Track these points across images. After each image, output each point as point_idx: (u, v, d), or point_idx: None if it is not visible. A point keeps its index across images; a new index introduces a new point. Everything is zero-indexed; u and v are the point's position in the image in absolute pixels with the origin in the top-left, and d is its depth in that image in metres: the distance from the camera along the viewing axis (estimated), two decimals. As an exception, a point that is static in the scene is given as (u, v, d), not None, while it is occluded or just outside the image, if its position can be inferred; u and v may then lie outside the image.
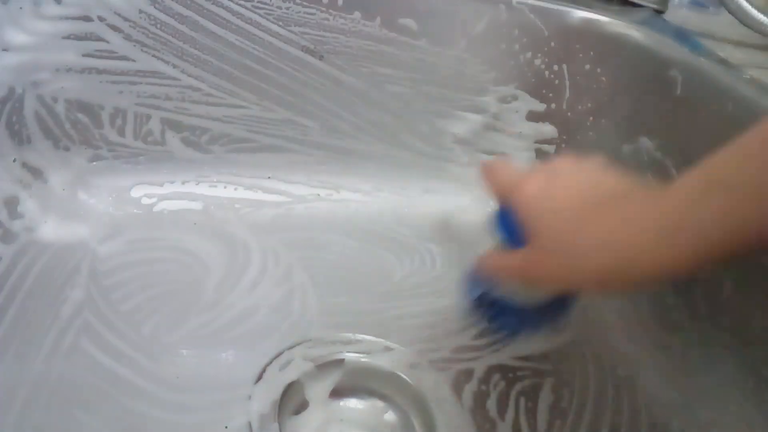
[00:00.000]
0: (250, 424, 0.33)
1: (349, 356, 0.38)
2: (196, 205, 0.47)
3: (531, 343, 0.42)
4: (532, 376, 0.40)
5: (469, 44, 0.48)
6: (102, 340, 0.36)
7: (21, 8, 0.39)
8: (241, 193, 0.48)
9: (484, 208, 0.46)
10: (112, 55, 0.43)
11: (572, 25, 0.49)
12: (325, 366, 0.37)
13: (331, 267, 0.45)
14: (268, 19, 0.45)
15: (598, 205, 0.29)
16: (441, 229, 0.45)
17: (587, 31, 0.49)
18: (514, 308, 0.36)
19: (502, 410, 0.37)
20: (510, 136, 0.52)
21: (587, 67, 0.49)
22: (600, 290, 0.36)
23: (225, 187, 0.48)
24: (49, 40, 0.41)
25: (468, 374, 0.39)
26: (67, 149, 0.44)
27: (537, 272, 0.31)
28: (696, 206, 0.25)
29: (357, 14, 0.45)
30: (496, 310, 0.39)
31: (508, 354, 0.41)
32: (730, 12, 0.49)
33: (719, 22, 0.54)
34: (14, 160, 0.41)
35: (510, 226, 0.32)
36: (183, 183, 0.47)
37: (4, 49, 0.39)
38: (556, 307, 0.37)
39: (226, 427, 0.33)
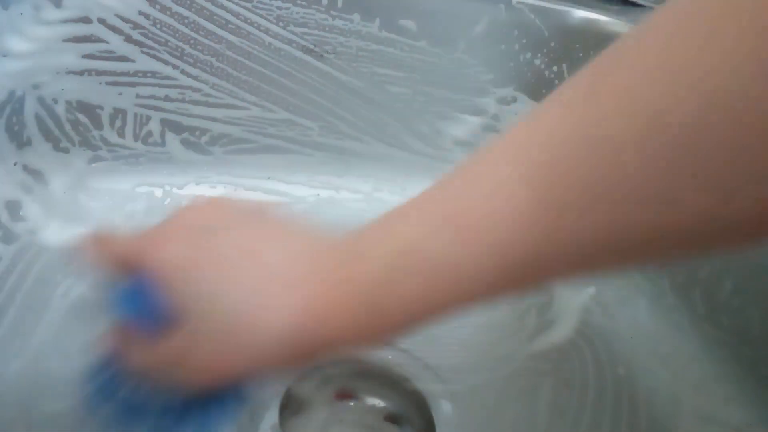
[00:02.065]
0: (250, 424, 0.33)
1: (350, 357, 0.38)
2: (196, 206, 0.47)
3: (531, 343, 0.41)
4: (532, 376, 0.40)
5: (469, 45, 0.48)
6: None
7: (21, 14, 0.39)
8: (241, 194, 0.48)
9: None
10: (111, 56, 0.43)
11: (572, 25, 0.49)
12: (325, 366, 0.37)
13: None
14: (267, 20, 0.45)
15: (268, 275, 0.22)
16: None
17: (587, 31, 0.49)
18: (146, 411, 0.25)
19: (502, 410, 0.37)
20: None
21: (587, 67, 0.49)
22: (276, 372, 0.26)
23: (225, 188, 0.48)
24: (49, 45, 0.41)
25: (468, 374, 0.39)
26: (66, 151, 0.44)
27: (193, 362, 0.22)
28: (386, 286, 0.20)
29: (356, 15, 0.45)
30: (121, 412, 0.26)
31: (507, 353, 0.41)
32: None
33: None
34: (15, 164, 0.41)
35: (140, 302, 0.23)
36: (183, 184, 0.47)
37: (4, 55, 0.39)
38: (206, 407, 0.25)
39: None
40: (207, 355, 0.22)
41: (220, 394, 0.25)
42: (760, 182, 0.14)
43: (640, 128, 0.15)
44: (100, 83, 0.43)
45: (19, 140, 0.41)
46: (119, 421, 0.26)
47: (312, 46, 0.46)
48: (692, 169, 0.15)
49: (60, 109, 0.43)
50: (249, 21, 0.44)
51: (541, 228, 0.17)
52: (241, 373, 0.23)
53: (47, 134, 0.43)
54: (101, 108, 0.44)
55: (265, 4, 0.44)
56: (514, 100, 0.51)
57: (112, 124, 0.45)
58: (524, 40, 0.49)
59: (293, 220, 0.24)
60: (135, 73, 0.44)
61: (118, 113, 0.45)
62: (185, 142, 0.47)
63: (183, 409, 0.25)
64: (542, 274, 0.19)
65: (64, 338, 0.36)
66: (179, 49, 0.44)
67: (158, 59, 0.44)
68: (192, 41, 0.44)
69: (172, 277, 0.22)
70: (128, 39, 0.43)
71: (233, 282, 0.22)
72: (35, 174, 0.42)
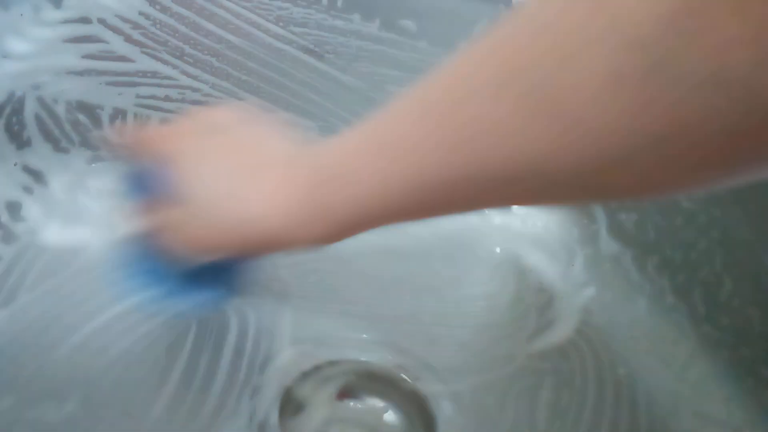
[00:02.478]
0: (250, 424, 0.33)
1: (350, 357, 0.38)
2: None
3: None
4: (532, 376, 0.40)
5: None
6: (103, 340, 0.36)
7: (21, 15, 0.39)
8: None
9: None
10: (111, 56, 0.43)
11: (572, 25, 0.49)
12: (325, 366, 0.37)
13: (331, 267, 0.45)
14: (267, 20, 0.45)
15: (251, 171, 0.27)
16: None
17: (587, 31, 0.49)
18: (162, 274, 0.31)
19: (502, 410, 0.37)
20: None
21: (587, 67, 0.49)
22: (249, 257, 0.31)
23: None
24: (49, 45, 0.41)
25: (468, 374, 0.39)
26: (66, 151, 0.44)
27: (186, 231, 0.27)
28: (353, 174, 0.24)
29: (356, 15, 0.45)
30: (145, 276, 0.32)
31: (507, 353, 0.41)
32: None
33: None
34: (15, 164, 0.41)
35: (153, 182, 0.29)
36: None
37: (5, 56, 0.39)
38: (215, 274, 0.32)
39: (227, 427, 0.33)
40: (195, 229, 0.27)
41: (217, 267, 0.30)
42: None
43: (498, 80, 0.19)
44: (100, 83, 0.43)
45: (19, 141, 0.41)
46: (138, 285, 0.32)
47: (312, 46, 0.46)
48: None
49: (60, 110, 0.43)
50: (249, 21, 0.44)
51: (435, 159, 0.22)
52: (220, 248, 0.27)
53: (47, 135, 0.43)
54: (101, 108, 0.44)
55: (265, 4, 0.44)
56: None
57: (112, 124, 0.45)
58: (524, 40, 0.49)
59: (280, 128, 0.29)
60: (135, 73, 0.44)
61: (118, 113, 0.45)
62: (185, 143, 0.47)
63: (188, 277, 0.31)
64: (449, 198, 0.23)
65: (66, 337, 0.36)
66: (179, 49, 0.44)
67: (158, 59, 0.44)
68: (192, 41, 0.44)
69: (178, 164, 0.27)
70: (128, 39, 0.43)
71: (220, 174, 0.27)
72: (35, 174, 0.42)
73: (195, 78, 0.45)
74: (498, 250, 0.49)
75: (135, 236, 0.31)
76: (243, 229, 0.26)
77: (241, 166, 0.27)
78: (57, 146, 0.43)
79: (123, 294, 0.34)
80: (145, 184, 0.29)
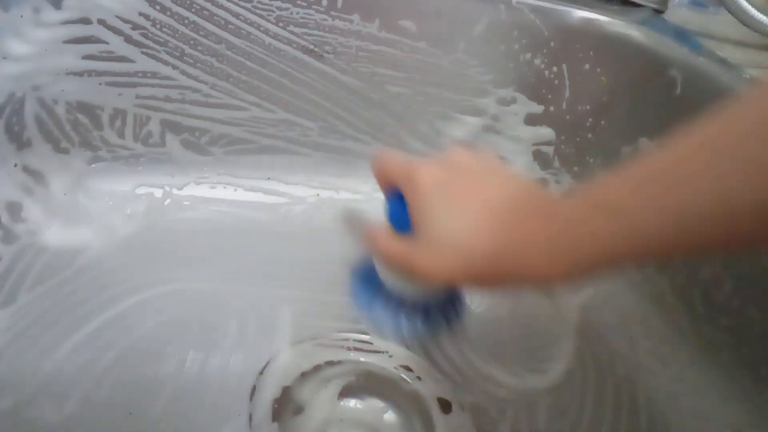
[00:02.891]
0: (250, 424, 0.33)
1: (350, 357, 0.38)
2: (196, 207, 0.47)
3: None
4: (532, 376, 0.40)
5: (469, 45, 0.48)
6: (102, 340, 0.36)
7: (21, 16, 0.39)
8: (241, 195, 0.48)
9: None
10: (111, 57, 0.43)
11: (572, 25, 0.49)
12: (325, 366, 0.37)
13: (331, 267, 0.45)
14: (267, 20, 0.45)
15: (492, 209, 0.28)
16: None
17: (587, 31, 0.49)
18: (396, 300, 0.35)
19: (502, 410, 0.37)
20: (509, 138, 0.52)
21: (587, 67, 0.49)
22: (479, 290, 0.35)
23: (225, 188, 0.48)
24: (49, 46, 0.41)
25: (468, 372, 0.39)
26: (67, 152, 0.44)
27: (416, 262, 0.30)
28: (585, 225, 0.25)
29: (356, 16, 0.45)
30: (379, 301, 0.36)
31: (508, 353, 0.41)
32: (730, 12, 0.49)
33: (719, 22, 0.54)
34: (15, 165, 0.41)
35: (400, 213, 0.32)
36: (183, 184, 0.48)
37: (4, 58, 0.39)
38: (440, 306, 0.36)
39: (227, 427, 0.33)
40: (427, 260, 0.29)
41: (444, 298, 0.35)
42: None
43: None
44: (100, 84, 0.43)
45: (19, 141, 0.41)
46: (375, 307, 0.36)
47: (312, 47, 0.46)
48: None
49: (60, 110, 0.43)
50: (249, 21, 0.44)
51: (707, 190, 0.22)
52: (449, 279, 0.29)
53: (47, 135, 0.43)
54: (101, 109, 0.44)
55: (265, 4, 0.44)
56: (514, 100, 0.51)
57: (112, 124, 0.45)
58: (524, 41, 0.49)
59: (517, 176, 0.31)
60: (135, 74, 0.44)
61: (118, 114, 0.45)
62: (185, 143, 0.47)
63: (417, 304, 0.35)
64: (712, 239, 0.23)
65: (65, 337, 0.36)
66: (179, 50, 0.44)
67: (158, 60, 0.44)
68: (192, 42, 0.44)
69: (422, 195, 0.30)
70: (128, 40, 0.43)
71: (458, 211, 0.29)
72: (35, 175, 0.42)
73: (195, 78, 0.45)
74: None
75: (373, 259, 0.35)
76: (476, 265, 0.28)
77: (474, 206, 0.29)
78: (57, 147, 0.44)
79: (358, 306, 0.37)
80: (398, 211, 0.32)
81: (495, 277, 0.28)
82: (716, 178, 0.22)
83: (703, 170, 0.23)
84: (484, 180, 0.30)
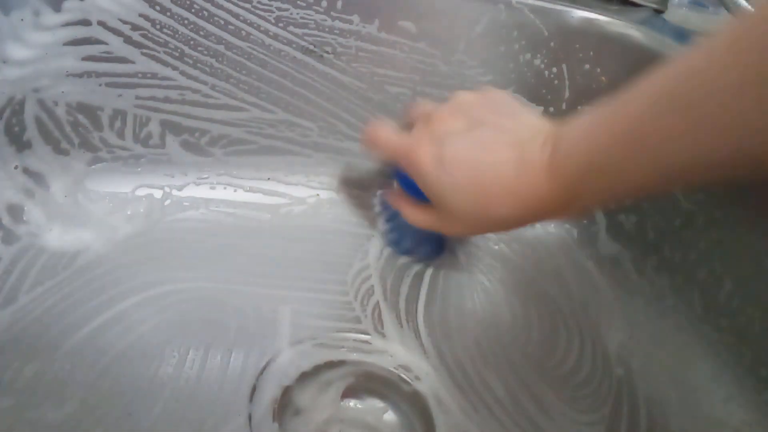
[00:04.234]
0: (250, 424, 0.33)
1: (350, 357, 0.38)
2: (196, 208, 0.47)
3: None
4: (533, 375, 0.40)
5: (469, 45, 0.48)
6: (102, 340, 0.36)
7: (22, 20, 0.39)
8: (241, 195, 0.49)
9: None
10: (111, 58, 0.43)
11: (572, 25, 0.49)
12: (325, 367, 0.37)
13: (331, 267, 0.45)
14: (267, 21, 0.45)
15: (495, 178, 0.32)
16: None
17: (587, 31, 0.49)
18: (410, 230, 0.42)
19: (502, 409, 0.37)
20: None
21: (587, 67, 0.49)
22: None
23: (224, 189, 0.48)
24: (49, 48, 0.41)
25: (468, 373, 0.39)
26: (67, 153, 0.44)
27: (451, 230, 0.37)
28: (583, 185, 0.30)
29: (356, 16, 0.46)
30: (394, 226, 0.47)
31: (509, 352, 0.41)
32: (729, 12, 0.49)
33: (719, 22, 0.54)
34: (16, 167, 0.41)
35: (412, 185, 0.37)
36: (183, 185, 0.48)
37: (5, 62, 0.39)
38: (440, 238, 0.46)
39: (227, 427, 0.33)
40: (456, 230, 0.36)
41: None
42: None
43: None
44: (100, 85, 0.43)
45: (19, 143, 0.42)
46: (392, 231, 0.47)
47: (312, 47, 0.46)
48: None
49: (60, 112, 0.43)
50: (249, 22, 0.44)
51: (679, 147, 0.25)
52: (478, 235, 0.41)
53: (47, 137, 0.43)
54: (101, 110, 0.44)
55: (264, 5, 0.44)
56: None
57: (112, 125, 0.45)
58: (524, 41, 0.49)
59: (529, 115, 0.35)
60: (135, 75, 0.44)
61: (118, 115, 0.45)
62: (185, 144, 0.47)
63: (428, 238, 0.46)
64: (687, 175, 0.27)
65: (66, 337, 0.36)
66: (179, 51, 0.44)
67: (158, 60, 0.44)
68: (192, 42, 0.44)
69: (426, 179, 0.35)
70: (128, 40, 0.43)
71: (462, 185, 0.33)
72: (36, 177, 0.42)
73: (195, 79, 0.45)
74: (496, 248, 0.49)
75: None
76: (506, 225, 0.34)
77: (481, 175, 0.33)
78: (57, 148, 0.44)
79: (390, 244, 0.47)
80: (405, 181, 0.38)
81: (517, 226, 0.34)
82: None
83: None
84: (476, 146, 0.34)
